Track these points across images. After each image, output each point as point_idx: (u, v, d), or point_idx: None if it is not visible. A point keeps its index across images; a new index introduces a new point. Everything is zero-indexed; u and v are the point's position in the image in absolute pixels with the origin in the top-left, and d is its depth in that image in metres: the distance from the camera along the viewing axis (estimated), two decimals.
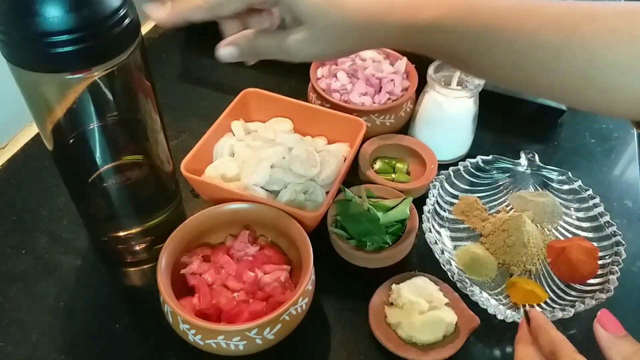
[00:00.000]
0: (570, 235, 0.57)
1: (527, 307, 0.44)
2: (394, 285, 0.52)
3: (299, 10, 0.40)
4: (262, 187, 0.56)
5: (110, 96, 0.45)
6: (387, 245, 0.54)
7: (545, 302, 0.51)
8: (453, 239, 0.57)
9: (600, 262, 0.53)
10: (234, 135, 0.62)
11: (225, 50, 0.44)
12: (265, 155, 0.57)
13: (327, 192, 0.56)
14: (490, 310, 0.49)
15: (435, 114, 0.64)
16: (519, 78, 0.38)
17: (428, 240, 0.53)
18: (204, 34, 0.85)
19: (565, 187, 0.60)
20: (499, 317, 0.49)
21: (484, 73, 0.41)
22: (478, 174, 0.61)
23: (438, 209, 0.58)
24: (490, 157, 0.61)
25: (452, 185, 0.60)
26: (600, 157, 0.69)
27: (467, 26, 0.38)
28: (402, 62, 0.68)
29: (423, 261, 0.56)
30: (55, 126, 0.45)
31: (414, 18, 0.38)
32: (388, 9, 0.39)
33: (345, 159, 0.58)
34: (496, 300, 0.51)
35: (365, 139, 0.62)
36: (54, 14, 0.37)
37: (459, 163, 0.61)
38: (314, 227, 0.53)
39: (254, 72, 0.80)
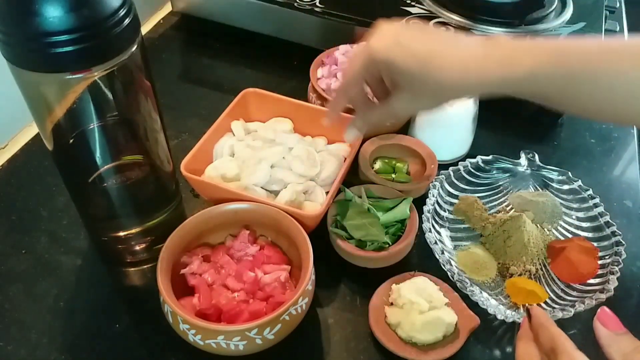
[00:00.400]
0: (570, 235, 0.57)
1: (528, 307, 0.44)
2: (394, 285, 0.52)
3: (397, 77, 0.46)
4: (262, 187, 0.56)
5: (110, 96, 0.45)
6: (387, 245, 0.54)
7: (545, 302, 0.51)
8: (453, 239, 0.57)
9: (600, 262, 0.53)
10: (234, 135, 0.62)
11: (351, 134, 0.54)
12: (265, 155, 0.57)
13: (327, 192, 0.56)
14: (490, 310, 0.49)
15: (435, 114, 0.64)
16: (612, 112, 0.43)
17: (428, 240, 0.53)
18: (204, 34, 0.85)
19: (565, 187, 0.60)
20: (499, 317, 0.49)
21: (577, 110, 0.46)
22: (478, 174, 0.61)
23: (438, 209, 0.58)
24: (490, 157, 0.61)
25: (452, 185, 0.60)
26: (600, 157, 0.69)
27: (559, 72, 0.42)
28: None
29: (423, 261, 0.56)
30: (55, 126, 0.45)
31: (508, 72, 0.42)
32: (481, 65, 0.43)
33: (345, 159, 0.58)
34: (496, 300, 0.51)
35: (365, 139, 0.62)
36: (54, 14, 0.37)
37: (459, 163, 0.61)
38: (313, 227, 0.53)
39: (254, 72, 0.80)
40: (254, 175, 0.55)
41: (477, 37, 0.46)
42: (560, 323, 0.51)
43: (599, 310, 0.39)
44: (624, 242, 0.53)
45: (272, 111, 0.64)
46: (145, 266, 0.55)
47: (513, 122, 0.72)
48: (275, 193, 0.56)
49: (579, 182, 0.59)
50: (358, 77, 0.48)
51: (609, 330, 0.38)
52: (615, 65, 0.41)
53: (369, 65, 0.46)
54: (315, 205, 0.55)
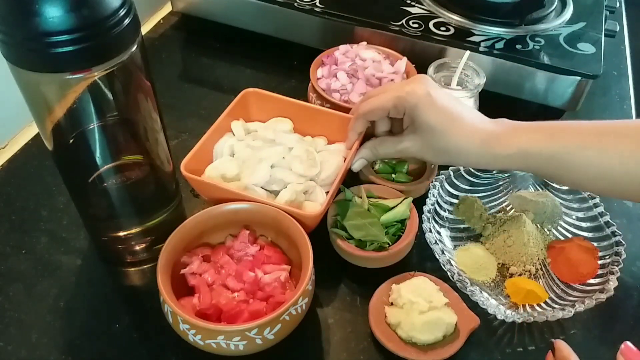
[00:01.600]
0: (570, 235, 0.57)
1: (552, 340, 0.45)
2: (394, 285, 0.52)
3: (420, 124, 0.52)
4: (262, 187, 0.56)
5: (110, 96, 0.45)
6: (387, 245, 0.54)
7: (545, 302, 0.51)
8: (453, 239, 0.57)
9: (600, 262, 0.53)
10: (234, 135, 0.62)
11: (357, 164, 0.58)
12: (265, 155, 0.57)
13: (327, 192, 0.55)
14: (490, 310, 0.49)
15: None
16: (605, 187, 0.48)
17: (428, 240, 0.53)
18: (204, 34, 0.85)
19: (565, 187, 0.60)
20: (499, 317, 0.49)
21: (571, 183, 0.53)
22: (478, 174, 0.61)
23: (438, 209, 0.58)
24: None
25: (452, 185, 0.60)
26: None
27: (550, 150, 0.48)
28: (402, 62, 0.69)
29: (423, 261, 0.56)
30: (55, 126, 0.45)
31: (504, 148, 0.49)
32: (484, 140, 0.50)
33: (345, 159, 0.58)
34: (496, 300, 0.51)
35: (365, 139, 0.62)
36: (54, 14, 0.37)
37: None
38: (313, 226, 0.53)
39: (254, 72, 0.80)
40: (254, 175, 0.55)
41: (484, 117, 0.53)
42: (560, 323, 0.51)
43: (623, 345, 0.40)
44: (623, 242, 0.53)
45: (273, 111, 0.64)
46: (145, 266, 0.55)
47: None
48: (275, 193, 0.56)
49: None
50: (385, 108, 0.53)
51: None
52: (608, 145, 0.46)
53: (400, 102, 0.52)
54: (315, 205, 0.55)
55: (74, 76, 0.40)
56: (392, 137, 0.56)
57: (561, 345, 0.41)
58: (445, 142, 0.51)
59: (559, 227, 0.58)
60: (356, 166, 0.58)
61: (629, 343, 0.39)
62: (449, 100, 0.52)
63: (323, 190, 0.57)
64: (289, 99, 0.63)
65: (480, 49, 0.70)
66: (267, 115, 0.64)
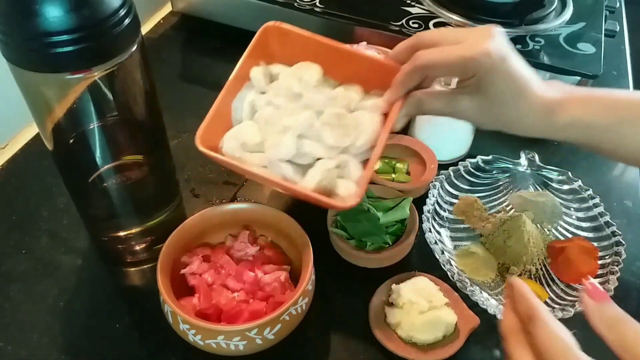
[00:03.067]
0: (570, 235, 0.57)
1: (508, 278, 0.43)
2: (394, 285, 0.52)
3: (487, 89, 0.44)
4: (288, 161, 0.47)
5: (110, 96, 0.45)
6: (387, 245, 0.54)
7: (545, 302, 0.51)
8: (453, 239, 0.57)
9: (600, 262, 0.53)
10: (253, 86, 0.51)
11: (401, 121, 0.49)
12: (291, 123, 0.47)
13: (363, 163, 0.47)
14: (490, 310, 0.49)
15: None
16: None
17: (428, 240, 0.53)
18: (204, 34, 0.85)
19: (565, 187, 0.60)
20: (499, 317, 0.49)
21: (623, 158, 0.50)
22: (478, 174, 0.61)
23: (438, 209, 0.58)
24: (490, 157, 0.61)
25: (452, 185, 0.60)
26: (600, 157, 0.69)
27: (605, 122, 0.45)
28: None
29: (423, 261, 0.56)
30: (56, 126, 0.45)
31: (562, 118, 0.45)
32: (546, 111, 0.45)
33: (386, 116, 0.47)
34: (496, 300, 0.51)
35: None
36: (54, 14, 0.37)
37: (459, 163, 0.61)
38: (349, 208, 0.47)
39: None
40: (279, 148, 0.46)
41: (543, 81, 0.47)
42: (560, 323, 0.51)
43: (589, 285, 0.37)
44: (623, 242, 0.53)
45: (298, 52, 0.51)
46: (145, 266, 0.55)
47: None
48: (303, 168, 0.47)
49: (579, 182, 0.59)
50: (451, 66, 0.44)
51: (594, 301, 0.37)
52: None
53: (472, 65, 0.43)
54: (349, 185, 0.46)
55: (74, 76, 0.40)
56: (443, 91, 0.47)
57: (515, 281, 0.38)
58: (511, 111, 0.46)
59: (559, 227, 0.58)
60: (398, 126, 0.49)
61: (595, 282, 0.37)
62: (522, 66, 0.45)
63: (358, 163, 0.47)
64: (320, 38, 0.51)
65: None
66: (291, 57, 0.51)
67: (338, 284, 0.55)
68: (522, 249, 0.55)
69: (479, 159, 0.61)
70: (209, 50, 0.83)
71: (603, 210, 0.57)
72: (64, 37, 0.37)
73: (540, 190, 0.61)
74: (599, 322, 0.36)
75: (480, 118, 0.47)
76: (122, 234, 0.54)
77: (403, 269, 0.54)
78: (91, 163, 0.49)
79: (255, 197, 0.62)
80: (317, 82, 0.50)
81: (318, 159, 0.47)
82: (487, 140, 0.69)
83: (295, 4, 0.76)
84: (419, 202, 0.57)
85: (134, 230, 0.54)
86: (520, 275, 0.54)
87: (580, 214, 0.58)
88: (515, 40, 0.72)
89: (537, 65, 0.68)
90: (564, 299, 0.52)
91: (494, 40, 0.43)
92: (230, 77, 0.49)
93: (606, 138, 0.46)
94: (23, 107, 0.44)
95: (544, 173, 0.61)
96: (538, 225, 0.58)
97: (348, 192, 0.45)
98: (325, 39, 0.51)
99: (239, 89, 0.50)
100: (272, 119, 0.48)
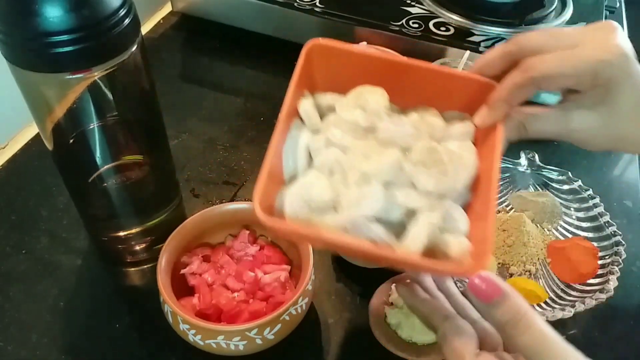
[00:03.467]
0: (570, 235, 0.57)
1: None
2: (394, 285, 0.52)
3: (616, 103, 0.36)
4: (376, 220, 0.35)
5: (110, 96, 0.45)
6: None
7: (545, 302, 0.51)
8: None
9: (600, 262, 0.53)
10: (302, 122, 0.39)
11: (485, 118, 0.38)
12: (372, 168, 0.35)
13: (465, 207, 0.37)
14: None
15: None
16: None
17: None
18: (204, 34, 0.85)
19: (565, 187, 0.60)
20: None
21: None
22: None
23: None
24: None
25: None
26: (600, 157, 0.69)
27: None
28: None
29: None
30: (56, 126, 0.45)
31: None
32: None
33: (475, 143, 0.38)
34: None
35: None
36: (54, 14, 0.37)
37: None
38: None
39: (254, 72, 0.80)
40: (364, 204, 0.35)
41: None
42: (560, 323, 0.51)
43: (476, 279, 0.32)
44: (623, 242, 0.53)
45: (349, 74, 0.40)
46: (145, 266, 0.55)
47: None
48: (394, 226, 0.36)
49: (579, 182, 0.59)
50: (578, 76, 0.35)
51: (482, 302, 0.32)
52: None
53: (605, 65, 0.35)
54: (462, 241, 0.35)
55: (74, 76, 0.40)
56: (550, 109, 0.38)
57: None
58: None
59: (559, 227, 0.58)
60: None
61: (485, 276, 0.31)
62: None
63: (460, 209, 0.37)
64: (376, 52, 0.43)
65: (480, 49, 0.70)
66: (339, 81, 0.40)
67: (338, 284, 0.55)
68: (522, 249, 0.55)
69: None
70: (209, 50, 0.83)
71: (603, 210, 0.57)
72: (64, 37, 0.37)
73: (540, 190, 0.61)
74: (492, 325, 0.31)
75: (599, 137, 0.38)
76: (122, 234, 0.54)
77: (403, 269, 0.54)
78: (91, 163, 0.49)
79: None
80: (386, 108, 0.39)
81: (411, 210, 0.36)
82: None
83: (295, 4, 0.76)
84: None
85: (134, 230, 0.54)
86: (520, 275, 0.54)
87: (580, 214, 0.58)
88: None
89: None
90: (564, 299, 0.52)
91: (621, 37, 0.35)
92: (280, 118, 0.37)
93: None
94: (23, 107, 0.44)
95: (544, 173, 0.61)
96: (538, 225, 0.58)
97: (462, 251, 0.34)
98: (382, 54, 0.41)
99: (287, 129, 0.38)
100: (342, 166, 0.37)
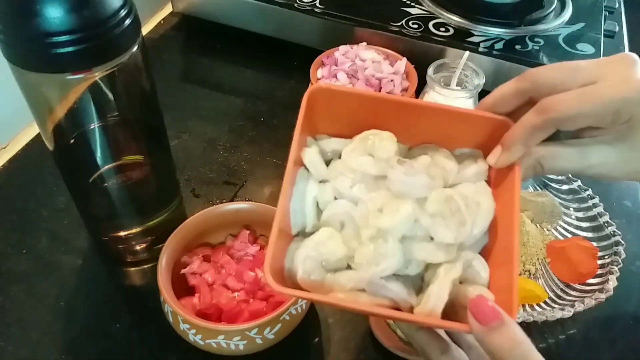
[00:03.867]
0: (569, 235, 0.57)
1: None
2: None
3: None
4: (394, 277, 0.34)
5: (111, 96, 0.45)
6: None
7: (545, 302, 0.51)
8: None
9: (599, 262, 0.53)
10: (307, 170, 0.37)
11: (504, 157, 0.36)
12: (387, 223, 0.33)
13: (483, 252, 0.36)
14: None
15: None
16: None
17: None
18: (204, 34, 0.85)
19: (565, 187, 0.60)
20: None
21: None
22: None
23: None
24: None
25: None
26: None
27: None
28: (402, 63, 0.69)
29: None
30: (56, 126, 0.46)
31: None
32: None
33: (489, 181, 0.37)
34: None
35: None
36: (54, 14, 0.37)
37: None
38: None
39: (254, 72, 0.80)
40: (379, 263, 0.33)
41: None
42: (560, 323, 0.51)
43: (477, 299, 0.31)
44: (623, 242, 0.53)
45: (351, 117, 0.38)
46: (145, 266, 0.56)
47: None
48: (412, 279, 0.35)
49: (579, 182, 0.59)
50: (600, 113, 0.33)
51: (481, 325, 0.30)
52: None
53: (628, 103, 0.33)
54: (483, 291, 0.33)
55: (74, 76, 0.40)
56: (567, 146, 0.36)
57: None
58: None
59: (558, 227, 0.58)
60: (497, 159, 0.37)
61: (486, 296, 0.30)
62: None
63: (481, 259, 0.35)
64: (381, 94, 0.41)
65: (480, 49, 0.70)
66: (347, 125, 0.38)
67: None
68: (521, 249, 0.55)
69: None
70: (210, 51, 0.83)
71: (602, 210, 0.57)
72: (65, 38, 0.37)
73: (540, 190, 0.61)
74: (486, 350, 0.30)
75: (617, 171, 0.36)
76: (122, 234, 0.54)
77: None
78: (92, 163, 0.49)
79: (256, 197, 0.62)
80: (395, 153, 0.36)
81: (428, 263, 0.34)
82: None
83: (296, 5, 0.76)
84: None
85: (134, 230, 0.54)
86: (520, 275, 0.55)
87: (580, 214, 0.58)
88: (514, 40, 0.72)
89: (536, 65, 0.68)
90: (563, 299, 0.52)
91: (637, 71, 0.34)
92: (287, 170, 0.35)
93: None
94: (24, 107, 0.45)
95: None
96: (537, 225, 0.58)
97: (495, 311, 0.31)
98: (386, 95, 0.39)
99: (294, 183, 0.36)
100: (353, 219, 0.35)
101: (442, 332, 0.36)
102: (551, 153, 0.36)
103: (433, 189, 0.35)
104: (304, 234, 0.36)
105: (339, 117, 0.38)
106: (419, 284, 0.34)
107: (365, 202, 0.35)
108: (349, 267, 0.34)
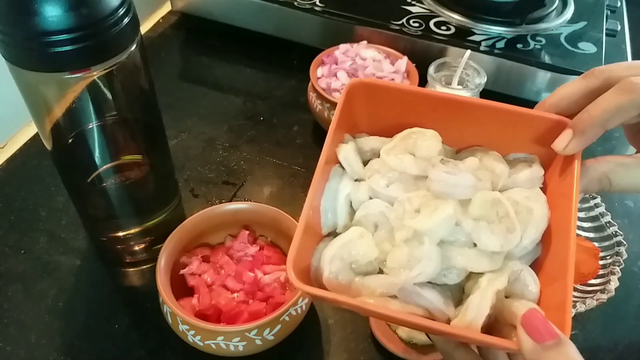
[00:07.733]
0: None
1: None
2: None
3: None
4: (431, 284, 0.31)
5: (109, 96, 0.44)
6: None
7: None
8: None
9: (601, 262, 0.53)
10: (342, 169, 0.36)
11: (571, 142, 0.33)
12: (425, 225, 0.30)
13: (533, 265, 0.33)
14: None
15: None
16: None
17: None
18: (203, 33, 0.85)
19: None
20: None
21: None
22: None
23: None
24: None
25: None
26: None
27: None
28: (403, 62, 0.68)
29: None
30: (54, 126, 0.45)
31: None
32: None
33: (545, 189, 0.34)
34: None
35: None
36: (53, 13, 0.36)
37: None
38: None
39: (253, 71, 0.80)
40: (413, 267, 0.30)
41: None
42: None
43: (528, 312, 0.28)
44: (625, 243, 0.53)
45: (394, 114, 0.36)
46: (144, 266, 0.55)
47: None
48: (451, 289, 0.32)
49: None
50: None
51: (535, 342, 0.27)
52: None
53: None
54: (531, 306, 0.29)
55: (73, 76, 0.40)
56: (633, 159, 0.33)
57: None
58: None
59: None
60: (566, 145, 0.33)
61: (540, 313, 0.27)
62: None
63: (530, 270, 0.32)
64: (427, 90, 0.39)
65: (481, 48, 0.70)
66: (388, 123, 0.36)
67: None
68: None
69: None
70: (209, 50, 0.83)
71: (604, 210, 0.56)
72: (63, 37, 0.37)
73: None
74: None
75: None
76: (121, 234, 0.54)
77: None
78: (90, 163, 0.48)
79: (255, 197, 0.62)
80: (440, 153, 0.34)
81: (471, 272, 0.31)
82: None
83: (295, 3, 0.75)
84: None
85: (133, 231, 0.54)
86: None
87: (582, 214, 0.58)
88: (516, 39, 0.71)
89: (538, 64, 0.68)
90: None
91: None
92: (319, 165, 0.33)
93: None
94: (22, 106, 0.44)
95: None
96: None
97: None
98: (433, 91, 0.37)
99: (326, 180, 0.34)
100: (388, 220, 0.32)
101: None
102: (624, 166, 0.32)
103: (478, 190, 0.32)
104: (334, 235, 0.34)
105: (380, 114, 0.36)
106: (458, 295, 0.31)
107: (402, 202, 0.32)
108: (380, 272, 0.32)
